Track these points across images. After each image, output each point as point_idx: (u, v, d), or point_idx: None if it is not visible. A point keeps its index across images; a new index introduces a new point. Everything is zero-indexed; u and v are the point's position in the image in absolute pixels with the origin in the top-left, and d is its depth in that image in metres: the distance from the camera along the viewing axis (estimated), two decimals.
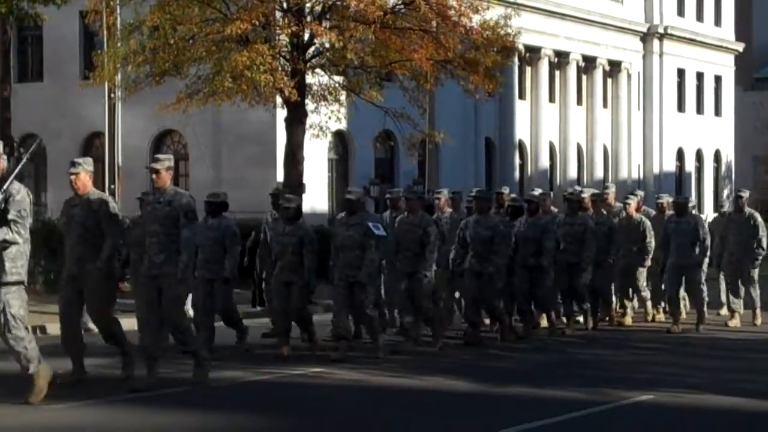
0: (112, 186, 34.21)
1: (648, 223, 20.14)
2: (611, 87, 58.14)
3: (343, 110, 31.00)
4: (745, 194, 20.97)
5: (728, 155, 66.05)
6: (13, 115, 33.80)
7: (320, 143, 35.34)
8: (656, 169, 59.88)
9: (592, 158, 56.60)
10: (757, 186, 69.14)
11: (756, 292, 20.44)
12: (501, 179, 49.09)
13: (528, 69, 52.99)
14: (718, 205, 33.37)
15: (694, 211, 21.00)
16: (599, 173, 56.67)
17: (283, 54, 27.41)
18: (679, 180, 61.82)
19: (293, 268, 15.35)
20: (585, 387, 13.17)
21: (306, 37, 27.36)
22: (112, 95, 32.56)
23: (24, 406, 11.50)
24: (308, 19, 27.09)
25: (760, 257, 20.44)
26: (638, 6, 59.09)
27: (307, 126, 28.88)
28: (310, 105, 28.70)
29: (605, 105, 57.72)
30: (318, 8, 27.50)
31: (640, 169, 59.53)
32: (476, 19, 28.31)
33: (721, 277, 21.13)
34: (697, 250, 19.29)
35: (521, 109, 52.34)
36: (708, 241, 19.46)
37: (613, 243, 19.37)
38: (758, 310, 20.43)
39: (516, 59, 43.36)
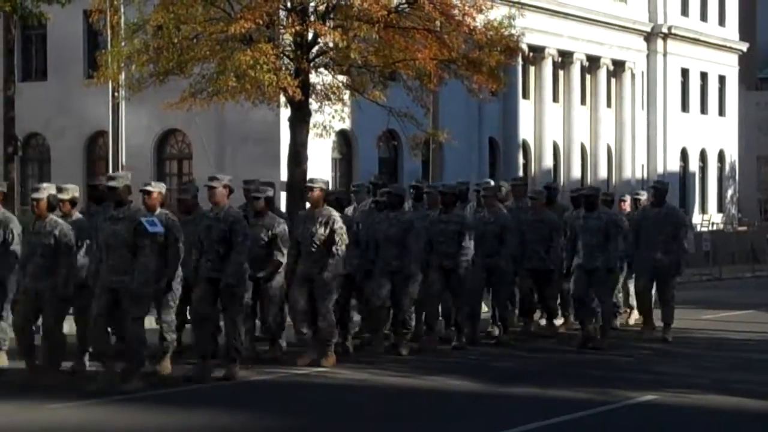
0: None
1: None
2: (615, 87, 58.08)
3: (346, 110, 30.98)
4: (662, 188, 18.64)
5: (732, 155, 65.99)
6: (17, 114, 33.80)
7: (324, 143, 35.32)
8: (660, 169, 59.80)
9: (596, 158, 56.56)
10: (760, 186, 69.20)
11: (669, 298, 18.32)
12: (505, 179, 48.98)
13: (532, 69, 52.95)
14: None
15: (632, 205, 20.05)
16: (603, 173, 56.63)
17: (286, 53, 27.41)
18: (683, 180, 61.75)
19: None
20: (589, 387, 13.17)
21: (310, 36, 27.35)
22: (116, 94, 32.57)
23: (22, 404, 11.51)
24: (312, 18, 27.08)
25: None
26: (642, 6, 59.04)
27: (311, 125, 28.87)
28: (313, 104, 28.69)
29: (609, 105, 57.66)
30: (322, 7, 27.49)
31: (644, 169, 59.45)
32: (480, 18, 28.28)
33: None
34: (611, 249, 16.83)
35: (525, 108, 52.31)
36: (619, 242, 17.01)
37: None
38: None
39: (520, 59, 43.31)
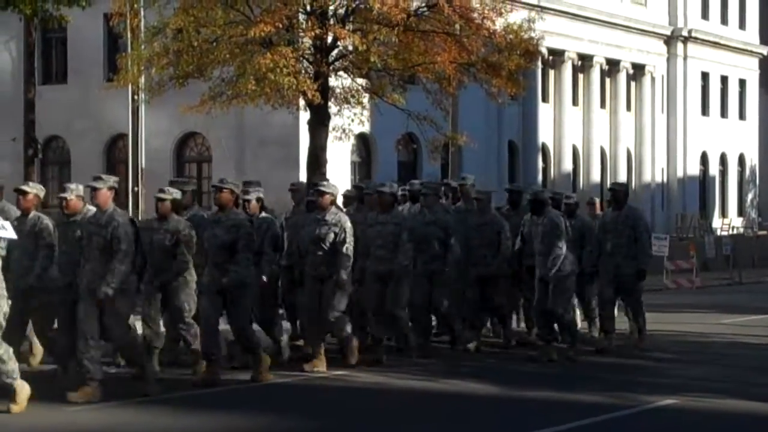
0: (136, 188, 34.35)
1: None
2: (635, 90, 57.94)
3: (366, 113, 30.98)
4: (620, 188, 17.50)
5: (752, 159, 65.75)
6: (37, 117, 33.93)
7: (343, 146, 35.33)
8: (680, 173, 59.65)
9: (616, 162, 56.42)
10: None
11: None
12: (524, 182, 48.94)
13: (551, 72, 52.86)
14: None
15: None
16: (623, 177, 56.47)
17: (306, 56, 27.43)
18: (702, 184, 61.56)
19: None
20: (608, 391, 13.13)
21: (329, 39, 27.37)
22: (136, 97, 32.69)
23: (43, 407, 11.53)
24: (331, 21, 27.10)
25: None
26: (662, 9, 58.90)
27: (330, 128, 28.88)
28: (333, 108, 28.71)
29: (629, 108, 57.53)
30: (341, 11, 27.50)
31: (664, 173, 59.33)
32: (500, 22, 28.27)
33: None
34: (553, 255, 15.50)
35: (544, 112, 52.22)
36: (562, 245, 15.54)
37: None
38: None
39: (539, 62, 43.26)
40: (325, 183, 15.20)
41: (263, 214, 14.95)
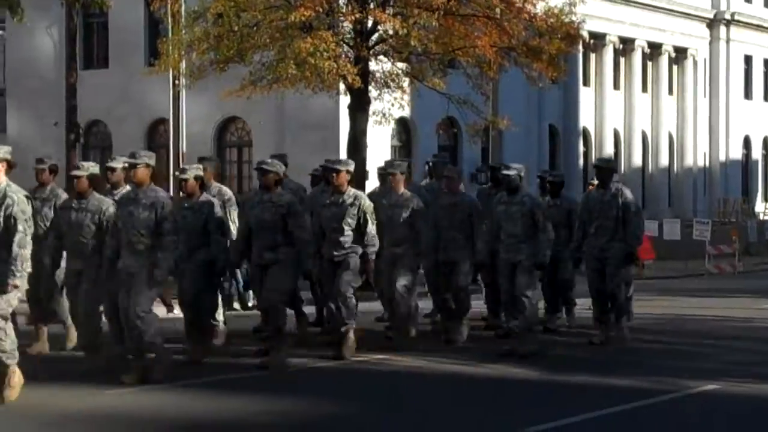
0: (177, 172, 34.44)
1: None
2: (677, 74, 57.60)
3: (406, 97, 30.91)
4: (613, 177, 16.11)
5: None
6: (79, 102, 34.12)
7: (383, 130, 35.30)
8: (722, 157, 59.30)
9: (657, 146, 56.14)
10: None
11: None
12: (565, 167, 48.81)
13: (593, 56, 52.63)
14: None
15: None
16: (664, 161, 56.22)
17: (346, 41, 27.41)
18: (745, 168, 61.16)
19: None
20: (649, 376, 13.07)
21: (369, 23, 27.32)
22: (177, 82, 32.75)
23: (80, 390, 11.59)
24: (372, 5, 27.05)
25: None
26: None
27: (371, 113, 28.85)
28: (373, 92, 28.67)
29: (671, 92, 57.21)
30: None
31: (706, 157, 58.98)
32: (540, 5, 28.13)
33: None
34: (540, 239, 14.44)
35: (586, 96, 52.01)
36: (548, 230, 14.48)
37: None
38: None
39: (580, 46, 43.05)
40: (186, 167, 14.09)
41: (205, 195, 13.81)
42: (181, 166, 14.03)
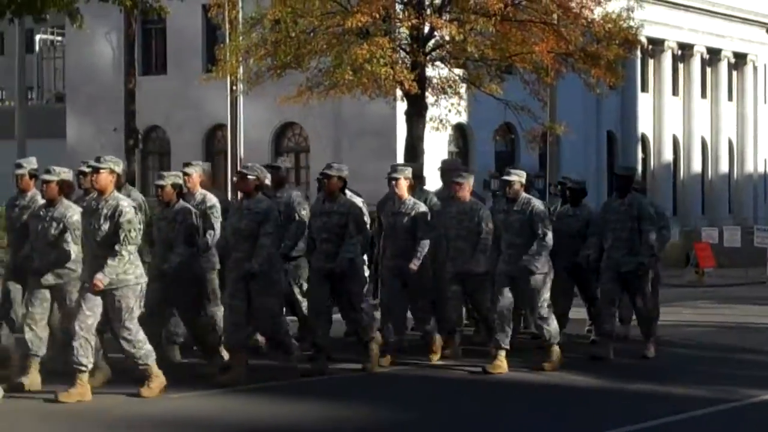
0: (234, 178, 34.57)
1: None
2: (736, 79, 57.13)
3: (463, 103, 30.90)
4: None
5: None
6: (137, 108, 34.36)
7: (440, 136, 35.27)
8: None
9: (717, 152, 55.69)
10: None
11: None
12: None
13: (651, 61, 52.29)
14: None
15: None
16: (724, 167, 55.75)
17: (403, 47, 27.44)
18: None
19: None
20: (711, 384, 12.92)
21: (426, 29, 27.34)
22: (234, 88, 32.92)
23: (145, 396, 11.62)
24: (428, 11, 27.08)
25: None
26: None
27: (427, 119, 28.85)
28: (430, 98, 28.68)
29: (730, 98, 56.74)
30: (438, 1, 27.48)
31: (767, 164, 58.42)
32: (598, 11, 28.04)
33: None
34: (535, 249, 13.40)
35: (644, 102, 51.69)
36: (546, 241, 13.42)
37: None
38: None
39: (638, 52, 42.82)
40: (250, 165, 12.96)
41: (182, 202, 12.81)
42: (239, 170, 12.97)
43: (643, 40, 39.81)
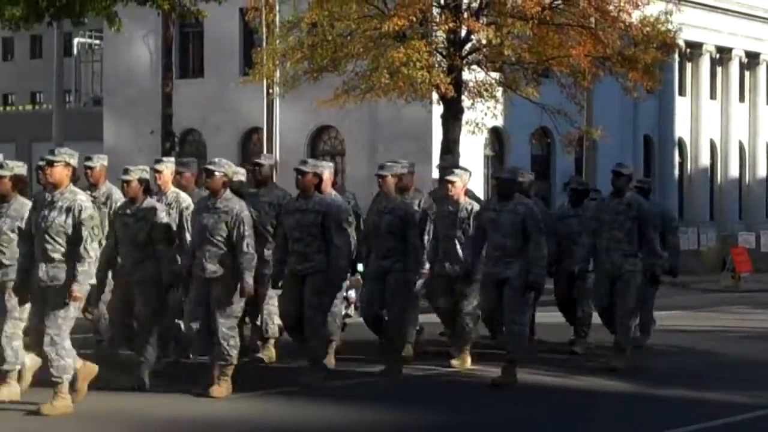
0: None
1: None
2: None
3: (499, 107, 30.85)
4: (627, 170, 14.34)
5: None
6: (174, 111, 34.49)
7: (476, 139, 35.21)
8: None
9: (755, 156, 55.34)
10: None
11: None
12: (660, 177, 48.32)
13: (689, 65, 52.04)
14: None
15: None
16: (762, 172, 55.41)
17: (439, 50, 27.42)
18: None
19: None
20: (746, 390, 12.84)
21: (463, 33, 27.33)
22: (271, 91, 32.99)
23: (182, 396, 11.64)
24: (465, 15, 27.05)
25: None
26: None
27: (463, 122, 28.83)
28: (466, 101, 28.64)
29: None
30: (475, 4, 27.44)
31: None
32: (636, 14, 27.93)
33: None
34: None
35: (681, 105, 51.44)
36: (541, 246, 12.74)
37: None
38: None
39: (676, 55, 42.64)
40: (216, 160, 12.35)
41: (149, 200, 12.17)
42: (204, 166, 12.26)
43: (681, 43, 39.66)
